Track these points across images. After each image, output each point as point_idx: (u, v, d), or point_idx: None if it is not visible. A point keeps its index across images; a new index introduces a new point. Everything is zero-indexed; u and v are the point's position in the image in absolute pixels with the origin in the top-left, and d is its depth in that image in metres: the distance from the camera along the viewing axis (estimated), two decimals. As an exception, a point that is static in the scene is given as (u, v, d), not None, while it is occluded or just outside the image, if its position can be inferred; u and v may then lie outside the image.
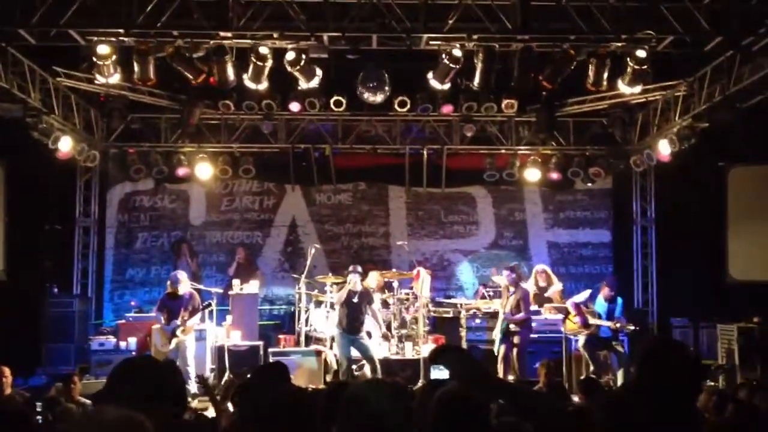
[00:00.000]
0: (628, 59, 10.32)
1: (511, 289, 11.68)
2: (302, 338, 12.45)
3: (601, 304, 11.57)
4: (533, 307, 12.07)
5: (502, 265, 13.14)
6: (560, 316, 11.93)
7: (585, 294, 11.87)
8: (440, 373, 3.60)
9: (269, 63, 10.49)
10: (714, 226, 14.34)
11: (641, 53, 10.21)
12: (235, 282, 13.29)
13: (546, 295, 12.85)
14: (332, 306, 12.13)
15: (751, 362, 11.53)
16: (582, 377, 10.55)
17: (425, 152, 14.55)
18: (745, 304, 12.58)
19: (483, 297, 13.26)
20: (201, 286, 12.85)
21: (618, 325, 11.32)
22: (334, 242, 15.41)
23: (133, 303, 14.18)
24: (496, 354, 11.56)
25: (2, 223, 13.82)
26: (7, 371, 8.36)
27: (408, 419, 2.77)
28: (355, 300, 11.41)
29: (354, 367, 11.43)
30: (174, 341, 11.30)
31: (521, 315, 11.50)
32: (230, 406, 7.04)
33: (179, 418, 3.11)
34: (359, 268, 11.81)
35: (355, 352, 11.43)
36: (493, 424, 3.45)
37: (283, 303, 14.77)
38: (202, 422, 5.17)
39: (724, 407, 6.32)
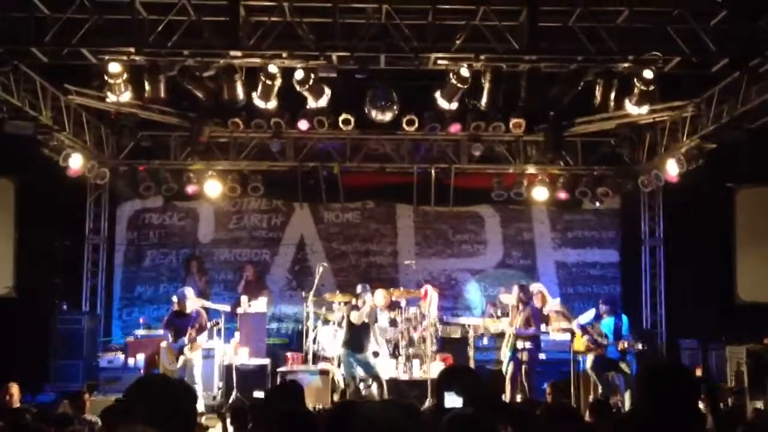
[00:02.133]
0: (636, 80, 10.35)
1: (521, 306, 11.68)
2: (310, 357, 12.44)
3: (607, 325, 11.54)
4: (542, 327, 12.05)
5: (511, 285, 13.13)
6: (568, 336, 11.90)
7: (590, 314, 11.84)
8: (453, 398, 3.59)
9: (278, 82, 10.57)
10: (722, 247, 14.31)
11: (648, 74, 10.25)
12: (243, 299, 13.31)
13: (544, 313, 12.80)
14: (340, 324, 12.12)
15: (760, 384, 11.45)
16: (591, 399, 10.51)
17: (433, 171, 14.58)
18: (754, 325, 12.51)
19: (491, 316, 13.23)
20: (209, 304, 12.86)
21: (626, 345, 11.28)
22: (341, 261, 15.42)
23: (141, 320, 14.19)
24: (504, 373, 11.54)
25: (12, 240, 13.91)
26: (14, 388, 8.40)
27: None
28: (365, 319, 11.41)
29: (361, 386, 11.41)
30: (181, 359, 11.31)
31: (532, 330, 11.51)
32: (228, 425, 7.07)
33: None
34: (368, 287, 11.80)
35: (361, 371, 11.41)
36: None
37: (291, 321, 14.77)
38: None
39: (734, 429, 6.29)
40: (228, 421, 7.31)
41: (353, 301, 11.78)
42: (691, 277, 14.33)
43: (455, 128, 13.53)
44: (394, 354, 12.53)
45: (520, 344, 11.45)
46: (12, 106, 10.78)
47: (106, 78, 10.36)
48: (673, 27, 10.03)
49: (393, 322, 12.77)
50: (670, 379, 3.17)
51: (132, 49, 10.15)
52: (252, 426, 5.50)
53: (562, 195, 14.54)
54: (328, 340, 12.45)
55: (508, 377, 11.45)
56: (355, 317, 11.37)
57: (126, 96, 10.66)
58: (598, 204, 14.93)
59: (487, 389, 3.02)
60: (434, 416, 3.58)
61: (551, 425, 4.34)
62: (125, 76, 10.32)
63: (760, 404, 10.58)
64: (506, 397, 11.29)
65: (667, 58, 10.38)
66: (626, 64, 10.33)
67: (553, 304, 12.94)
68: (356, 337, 11.33)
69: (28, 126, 11.12)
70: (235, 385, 11.80)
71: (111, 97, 10.80)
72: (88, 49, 10.20)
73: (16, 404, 8.46)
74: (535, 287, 13.12)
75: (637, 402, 3.25)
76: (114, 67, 10.22)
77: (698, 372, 12.43)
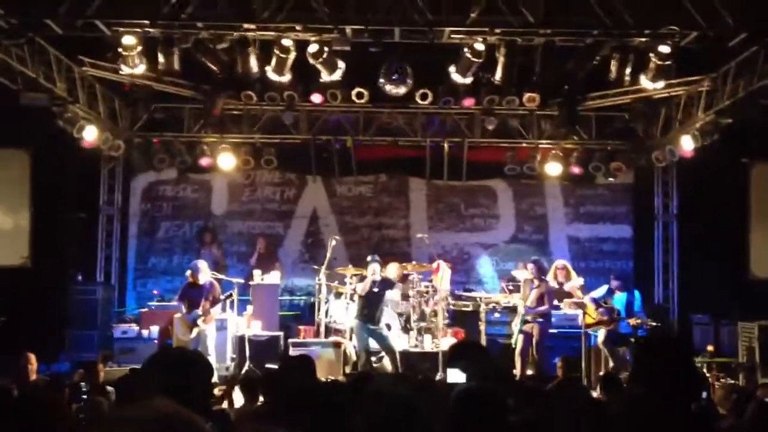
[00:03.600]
0: (651, 54, 10.27)
1: (535, 282, 11.71)
2: (322, 329, 12.53)
3: (619, 299, 11.55)
4: (554, 302, 12.09)
5: (524, 260, 13.14)
6: (579, 312, 11.92)
7: (602, 289, 11.86)
8: (457, 374, 3.63)
9: (292, 55, 10.55)
10: (736, 223, 14.24)
11: (664, 48, 10.16)
12: (256, 272, 13.39)
13: (565, 289, 12.84)
14: (352, 297, 12.20)
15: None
16: (602, 373, 10.55)
17: (446, 145, 14.56)
18: (767, 302, 12.49)
19: (503, 291, 13.27)
20: (222, 276, 12.94)
21: (639, 321, 11.30)
22: (354, 234, 15.46)
23: (155, 292, 14.31)
24: (513, 347, 11.60)
25: (28, 211, 14.01)
26: (32, 358, 8.51)
27: (430, 415, 2.82)
28: (375, 289, 11.47)
29: (373, 359, 11.49)
30: (195, 330, 11.40)
31: (543, 308, 11.54)
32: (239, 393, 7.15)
33: (209, 409, 3.18)
34: (377, 258, 11.86)
35: (374, 344, 11.49)
36: (510, 420, 3.49)
37: (303, 294, 14.84)
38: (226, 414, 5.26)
39: (745, 406, 6.30)
40: (238, 391, 7.40)
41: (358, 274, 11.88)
42: (705, 253, 14.28)
43: (469, 102, 13.47)
44: (406, 328, 12.60)
45: (530, 319, 11.50)
46: (27, 78, 10.82)
47: (120, 50, 10.37)
48: (690, 1, 9.91)
49: (405, 296, 12.82)
50: (660, 351, 3.19)
51: (146, 22, 10.14)
52: (264, 398, 5.56)
53: (576, 170, 14.50)
54: (340, 312, 12.53)
55: (517, 351, 11.50)
56: (360, 288, 11.46)
57: (140, 68, 10.68)
58: (611, 179, 14.88)
59: (495, 364, 3.05)
60: (446, 390, 3.62)
61: (562, 400, 4.37)
62: (139, 48, 10.32)
63: (771, 380, 10.60)
64: (517, 371, 11.36)
65: (683, 33, 10.25)
66: (642, 39, 10.24)
67: (577, 281, 12.96)
68: (369, 309, 11.41)
69: (42, 98, 11.17)
70: (247, 356, 11.90)
71: (125, 70, 10.82)
72: (103, 21, 10.17)
73: (34, 374, 8.56)
74: (560, 263, 13.15)
75: (631, 373, 3.29)
76: (128, 40, 10.22)
77: (709, 348, 12.43)
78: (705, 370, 11.07)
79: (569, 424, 3.74)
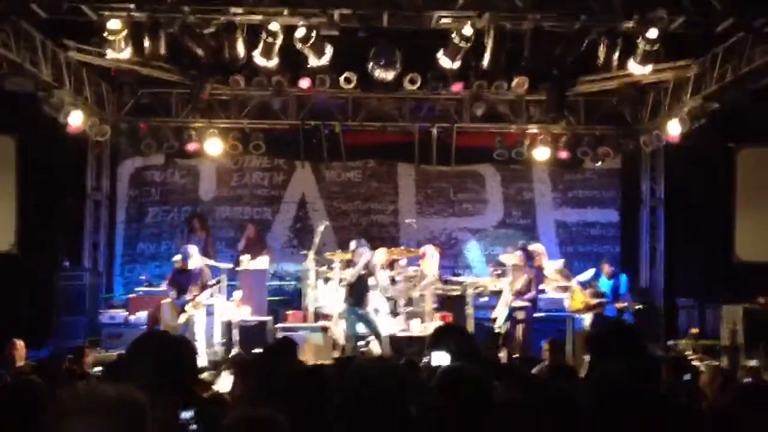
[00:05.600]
0: (640, 39, 10.28)
1: (524, 268, 11.75)
2: (310, 314, 12.55)
3: (605, 283, 11.63)
4: (540, 286, 12.14)
5: (512, 244, 13.17)
6: (565, 295, 11.99)
7: (589, 273, 11.93)
8: (440, 356, 3.67)
9: (279, 40, 10.50)
10: (722, 207, 14.34)
11: (652, 33, 10.17)
12: (244, 258, 13.38)
13: (546, 274, 12.85)
14: (341, 282, 12.21)
15: (755, 343, 11.56)
16: (588, 358, 10.60)
17: (435, 130, 14.54)
18: (752, 285, 12.59)
19: (491, 275, 13.31)
20: (211, 262, 12.93)
21: (625, 304, 11.38)
22: (343, 219, 15.46)
23: (143, 277, 14.29)
24: (497, 331, 11.66)
25: (14, 197, 13.94)
26: (20, 344, 8.50)
27: (408, 397, 2.84)
28: (362, 273, 11.50)
29: (361, 343, 11.53)
30: (184, 316, 11.42)
31: (531, 293, 11.59)
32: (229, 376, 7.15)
33: (193, 393, 3.19)
34: (364, 241, 11.85)
35: (362, 329, 11.53)
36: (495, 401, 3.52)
37: (292, 279, 14.85)
38: (216, 399, 5.26)
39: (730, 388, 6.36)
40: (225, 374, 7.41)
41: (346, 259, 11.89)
42: (691, 237, 14.37)
43: (457, 87, 13.43)
44: (394, 312, 12.63)
45: (517, 303, 11.55)
46: (11, 63, 10.70)
47: (106, 34, 10.30)
48: (677, -14, 9.93)
49: (393, 281, 12.85)
50: (610, 341, 3.24)
51: (132, 5, 10.08)
52: (245, 381, 5.57)
53: (564, 154, 14.51)
54: (329, 298, 12.55)
55: (503, 334, 11.56)
56: (348, 275, 11.48)
57: (126, 53, 10.60)
58: (599, 164, 14.92)
59: (477, 347, 3.08)
60: (430, 372, 3.64)
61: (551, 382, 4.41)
62: (125, 32, 10.25)
63: (754, 363, 10.70)
64: (503, 355, 11.41)
65: (671, 18, 10.27)
66: (630, 24, 10.25)
67: (551, 264, 12.98)
68: (357, 292, 11.44)
69: (28, 83, 11.08)
70: (236, 341, 11.91)
71: (111, 54, 10.75)
72: (88, 5, 10.10)
73: (21, 361, 8.55)
74: (534, 247, 13.17)
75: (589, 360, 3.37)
76: (114, 24, 10.15)
77: (693, 331, 12.53)
78: (690, 353, 11.17)
79: (553, 408, 3.77)
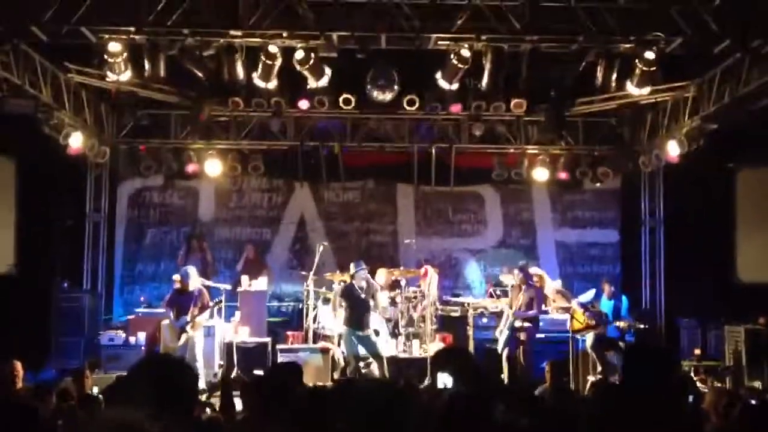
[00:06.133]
0: (637, 60, 10.32)
1: (523, 287, 11.72)
2: (310, 335, 12.51)
3: (606, 303, 11.60)
4: (543, 307, 12.11)
5: (511, 265, 13.15)
6: (567, 316, 11.96)
7: (590, 294, 11.91)
8: (446, 379, 3.66)
9: (278, 61, 10.54)
10: (722, 228, 14.31)
11: (650, 55, 10.21)
12: (244, 278, 13.36)
13: (546, 293, 12.83)
14: (340, 304, 12.16)
15: (758, 364, 11.53)
16: (590, 378, 10.58)
17: (434, 151, 14.56)
18: (754, 306, 12.56)
19: (491, 296, 13.29)
20: (210, 283, 12.91)
21: (626, 324, 11.35)
22: (342, 240, 15.46)
23: (142, 298, 14.26)
24: (499, 352, 11.61)
25: (13, 218, 13.92)
26: (18, 366, 8.43)
27: (412, 420, 2.82)
28: (362, 296, 11.45)
29: (361, 364, 11.48)
30: (183, 337, 11.37)
31: (532, 312, 11.55)
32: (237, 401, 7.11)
33: (192, 416, 3.17)
34: (363, 264, 11.78)
35: (362, 350, 11.48)
36: (496, 421, 3.50)
37: (292, 300, 14.82)
38: (213, 422, 5.24)
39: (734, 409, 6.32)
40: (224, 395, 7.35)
41: (346, 280, 11.82)
42: (691, 258, 14.35)
43: (456, 108, 13.47)
44: (394, 333, 12.60)
45: (518, 324, 11.51)
46: (12, 85, 10.75)
47: (106, 57, 10.34)
48: (675, 7, 9.97)
49: (393, 302, 12.82)
50: (645, 357, 3.24)
51: (132, 28, 10.12)
52: (244, 403, 5.54)
53: (563, 175, 14.54)
54: (328, 318, 12.51)
55: (505, 356, 11.51)
56: (333, 292, 11.45)
57: (126, 75, 10.63)
58: (598, 184, 14.94)
59: (481, 370, 3.07)
60: (431, 395, 3.62)
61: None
62: (125, 54, 10.28)
63: (757, 384, 10.67)
64: (504, 376, 11.37)
65: (668, 39, 10.32)
66: (628, 45, 10.30)
67: (551, 285, 12.97)
68: (357, 315, 11.39)
69: (28, 104, 11.11)
70: (235, 362, 11.86)
71: (111, 76, 10.78)
72: (88, 27, 10.14)
73: (20, 382, 8.49)
74: (534, 271, 13.16)
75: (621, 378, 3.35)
76: (114, 46, 10.19)
77: (696, 351, 12.50)
78: (692, 374, 11.13)
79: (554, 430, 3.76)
